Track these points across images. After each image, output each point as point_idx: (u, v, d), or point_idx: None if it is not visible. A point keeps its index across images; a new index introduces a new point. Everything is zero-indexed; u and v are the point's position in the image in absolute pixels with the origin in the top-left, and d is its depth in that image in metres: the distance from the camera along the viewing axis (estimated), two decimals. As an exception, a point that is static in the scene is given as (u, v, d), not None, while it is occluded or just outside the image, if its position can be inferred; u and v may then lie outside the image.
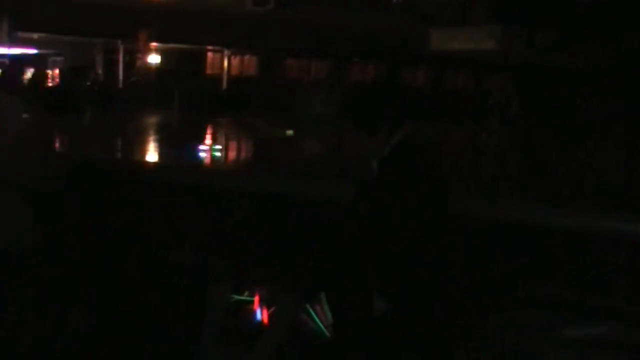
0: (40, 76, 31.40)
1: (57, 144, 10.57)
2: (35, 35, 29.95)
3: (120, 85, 32.99)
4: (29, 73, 33.15)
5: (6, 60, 30.61)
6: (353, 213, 3.43)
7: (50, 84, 33.15)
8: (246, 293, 3.99)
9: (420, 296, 3.28)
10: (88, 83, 31.80)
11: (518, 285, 3.82)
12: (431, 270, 3.27)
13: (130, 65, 33.63)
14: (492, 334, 3.74)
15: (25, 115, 4.94)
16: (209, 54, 38.97)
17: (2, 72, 31.51)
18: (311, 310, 3.92)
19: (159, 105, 30.39)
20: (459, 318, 3.49)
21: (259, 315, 3.95)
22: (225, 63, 37.69)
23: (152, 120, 28.23)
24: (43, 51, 33.54)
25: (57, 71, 33.86)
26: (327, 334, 3.88)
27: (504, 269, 3.85)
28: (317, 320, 3.91)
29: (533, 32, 25.39)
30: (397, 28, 29.28)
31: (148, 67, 33.98)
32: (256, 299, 3.95)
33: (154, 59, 34.41)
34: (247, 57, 39.08)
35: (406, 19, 24.25)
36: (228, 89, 36.90)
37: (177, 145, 19.22)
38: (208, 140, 22.27)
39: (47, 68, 33.98)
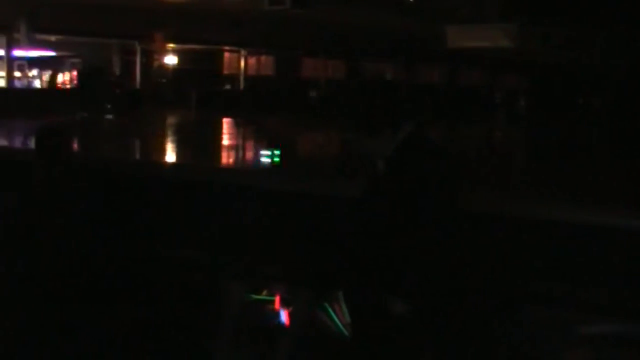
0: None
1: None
2: (52, 38, 30.09)
3: (138, 85, 33.11)
4: (46, 75, 33.38)
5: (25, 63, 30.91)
6: (361, 212, 3.44)
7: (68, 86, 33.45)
8: (264, 292, 4.01)
9: (434, 294, 3.27)
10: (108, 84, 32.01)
11: (532, 283, 3.81)
12: (444, 268, 3.28)
13: (147, 66, 33.76)
14: (507, 332, 3.75)
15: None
16: (226, 54, 39.09)
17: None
18: (329, 309, 3.95)
19: (177, 105, 30.55)
20: (473, 316, 3.49)
21: (282, 317, 3.95)
22: (242, 63, 37.81)
23: (171, 120, 28.36)
24: (61, 53, 33.75)
25: (75, 73, 34.08)
26: (346, 333, 3.90)
27: (517, 266, 3.85)
28: (336, 319, 3.93)
29: (548, 30, 25.29)
30: (412, 26, 29.25)
31: (165, 68, 34.14)
32: (277, 299, 3.96)
33: (170, 59, 34.56)
34: (263, 56, 39.16)
35: (421, 16, 24.20)
36: (245, 89, 37.01)
37: (196, 145, 19.33)
38: (226, 140, 22.37)
39: (64, 70, 34.25)
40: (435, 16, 22.37)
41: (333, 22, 30.32)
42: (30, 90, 31.31)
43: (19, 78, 30.97)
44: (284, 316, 3.99)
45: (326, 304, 3.94)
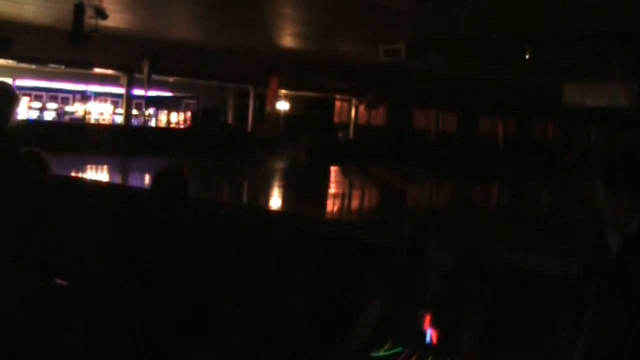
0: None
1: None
2: (170, 79, 30.95)
3: (249, 129, 33.62)
4: (162, 115, 34.28)
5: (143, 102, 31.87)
6: (577, 290, 2.90)
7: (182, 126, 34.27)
8: (387, 345, 3.85)
9: None
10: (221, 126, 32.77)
11: None
12: None
13: (259, 110, 34.27)
14: None
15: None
16: (337, 102, 39.40)
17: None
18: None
19: (287, 149, 30.90)
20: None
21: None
22: (353, 112, 37.99)
23: (281, 165, 28.63)
24: (177, 94, 34.66)
25: (189, 114, 34.91)
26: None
27: None
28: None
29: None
30: (529, 81, 28.82)
31: (277, 113, 34.60)
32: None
33: (282, 104, 35.03)
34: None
35: (540, 72, 23.78)
36: (355, 137, 37.14)
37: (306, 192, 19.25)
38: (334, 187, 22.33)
39: (179, 110, 35.11)
40: (555, 72, 21.90)
41: (447, 74, 30.20)
42: (146, 128, 32.18)
43: (135, 116, 31.87)
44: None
45: (449, 358, 3.82)
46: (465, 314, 3.76)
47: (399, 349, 3.87)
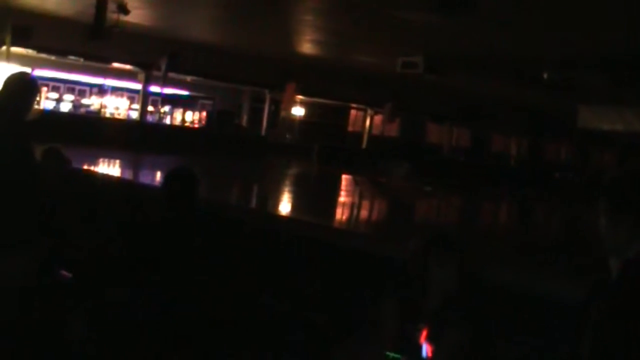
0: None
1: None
2: (188, 78, 31.05)
3: (264, 132, 33.58)
4: (177, 113, 34.37)
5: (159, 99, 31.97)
6: (581, 313, 2.80)
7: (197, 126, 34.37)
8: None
9: None
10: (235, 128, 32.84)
11: None
12: None
13: (274, 114, 34.29)
14: None
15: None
16: (352, 112, 39.40)
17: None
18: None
19: (298, 156, 30.88)
20: None
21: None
22: (368, 122, 37.97)
23: (291, 170, 28.60)
24: (193, 94, 34.76)
25: (204, 114, 35.00)
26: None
27: None
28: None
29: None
30: (546, 103, 28.76)
31: (291, 118, 34.60)
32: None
33: (297, 110, 35.02)
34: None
35: (557, 94, 23.72)
36: (368, 147, 37.10)
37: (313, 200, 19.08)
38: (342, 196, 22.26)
39: (195, 110, 35.21)
40: (571, 94, 21.84)
41: (463, 90, 30.18)
42: (160, 126, 32.26)
43: (151, 112, 31.96)
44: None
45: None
46: (451, 330, 3.79)
47: (399, 356, 3.91)
